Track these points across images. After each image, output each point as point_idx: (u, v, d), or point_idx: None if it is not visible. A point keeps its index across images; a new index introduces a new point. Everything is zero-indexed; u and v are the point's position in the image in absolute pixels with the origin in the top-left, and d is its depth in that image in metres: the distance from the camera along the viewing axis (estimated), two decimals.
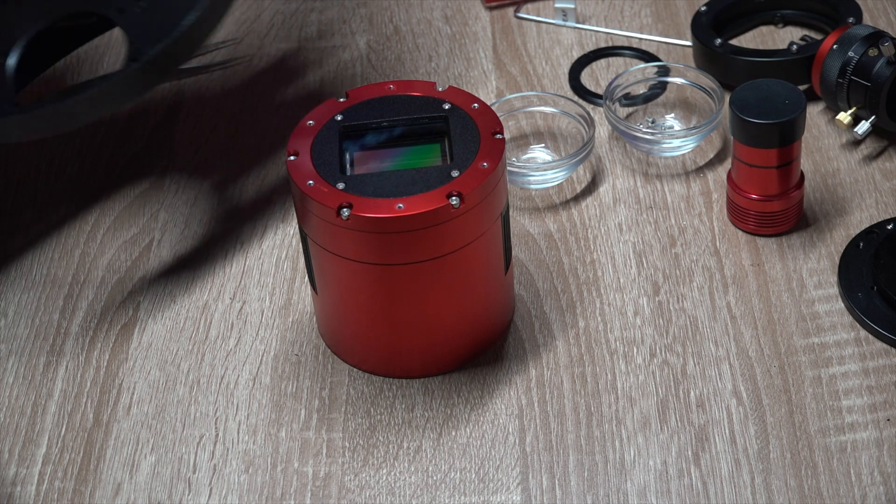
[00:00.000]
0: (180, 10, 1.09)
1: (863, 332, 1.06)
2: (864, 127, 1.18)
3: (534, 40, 1.36)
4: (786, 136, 1.09)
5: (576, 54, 1.33)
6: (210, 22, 1.08)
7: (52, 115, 1.05)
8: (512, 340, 1.08)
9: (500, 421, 1.03)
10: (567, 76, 1.31)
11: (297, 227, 1.12)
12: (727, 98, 1.18)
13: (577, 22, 1.37)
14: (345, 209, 0.96)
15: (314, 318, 1.10)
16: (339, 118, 1.03)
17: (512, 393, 1.04)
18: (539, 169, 1.19)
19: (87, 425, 1.05)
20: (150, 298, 1.14)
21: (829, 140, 1.22)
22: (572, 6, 1.36)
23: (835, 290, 1.09)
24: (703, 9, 1.29)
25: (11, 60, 1.09)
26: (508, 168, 1.17)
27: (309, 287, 1.12)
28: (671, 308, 1.09)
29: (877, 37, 1.19)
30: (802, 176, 1.14)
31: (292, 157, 1.01)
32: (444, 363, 1.06)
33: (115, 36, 1.30)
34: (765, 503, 0.96)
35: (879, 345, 1.05)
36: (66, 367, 1.09)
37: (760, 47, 1.32)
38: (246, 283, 1.14)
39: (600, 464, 0.99)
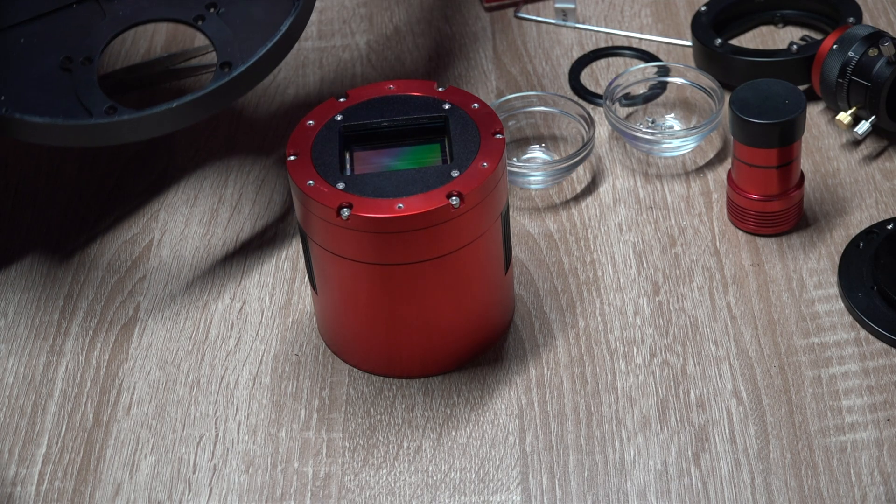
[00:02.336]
0: (258, 13, 1.11)
1: (863, 332, 1.06)
2: (864, 127, 1.18)
3: (534, 40, 1.35)
4: (786, 136, 1.09)
5: (576, 54, 1.33)
6: (301, 24, 1.09)
7: (151, 120, 1.06)
8: (512, 340, 1.08)
9: (500, 421, 1.03)
10: (567, 76, 1.31)
11: (297, 227, 1.12)
12: (727, 98, 1.18)
13: (577, 22, 1.37)
14: (345, 209, 0.96)
15: (314, 318, 1.10)
16: (339, 118, 1.03)
17: (512, 393, 1.04)
18: (539, 169, 1.19)
19: (87, 425, 1.05)
20: (150, 298, 1.14)
21: (829, 140, 1.22)
22: (572, 6, 1.36)
23: (835, 290, 1.09)
24: (703, 9, 1.29)
25: (95, 64, 1.12)
26: (508, 168, 1.17)
27: (309, 287, 1.12)
28: (671, 308, 1.09)
29: (877, 37, 1.18)
30: (802, 176, 1.14)
31: (292, 157, 1.01)
32: (444, 363, 1.06)
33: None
34: (765, 503, 0.96)
35: (879, 345, 1.05)
36: (66, 367, 1.09)
37: (760, 47, 1.32)
38: (246, 283, 1.14)
39: (600, 464, 0.99)
